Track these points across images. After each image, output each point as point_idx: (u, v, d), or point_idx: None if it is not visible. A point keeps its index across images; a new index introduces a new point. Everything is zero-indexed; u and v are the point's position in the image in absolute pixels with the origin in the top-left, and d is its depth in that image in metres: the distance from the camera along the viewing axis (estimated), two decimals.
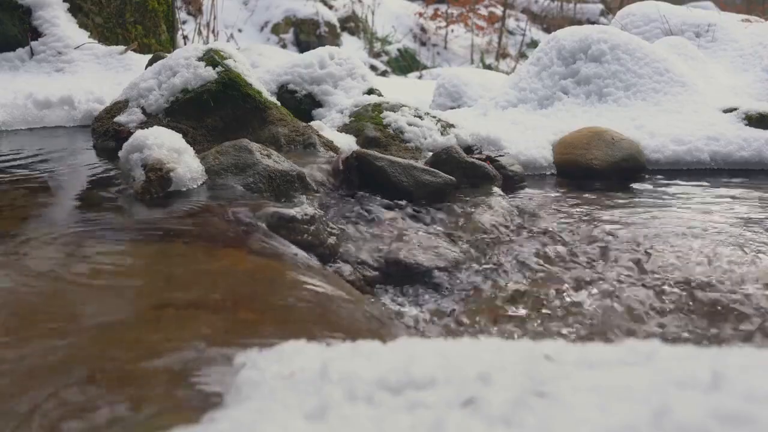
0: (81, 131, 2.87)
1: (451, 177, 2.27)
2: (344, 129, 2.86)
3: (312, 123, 2.74)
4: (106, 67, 3.69)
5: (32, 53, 3.67)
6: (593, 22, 11.84)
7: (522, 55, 12.17)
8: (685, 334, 1.42)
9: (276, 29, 11.25)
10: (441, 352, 0.73)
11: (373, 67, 10.57)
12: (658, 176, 3.04)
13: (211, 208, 1.58)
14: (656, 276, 1.72)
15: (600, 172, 2.93)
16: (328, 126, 2.86)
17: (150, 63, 3.02)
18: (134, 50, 3.87)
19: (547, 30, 13.37)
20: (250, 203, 1.62)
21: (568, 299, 1.57)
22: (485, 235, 1.96)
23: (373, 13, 12.27)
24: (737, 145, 3.24)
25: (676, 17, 5.39)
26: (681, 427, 0.52)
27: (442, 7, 13.26)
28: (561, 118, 3.50)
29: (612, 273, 1.74)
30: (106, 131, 2.50)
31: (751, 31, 5.06)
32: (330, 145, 2.48)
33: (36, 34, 3.74)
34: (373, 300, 1.53)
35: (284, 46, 10.56)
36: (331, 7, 12.31)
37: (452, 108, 4.33)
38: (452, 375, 0.66)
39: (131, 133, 1.99)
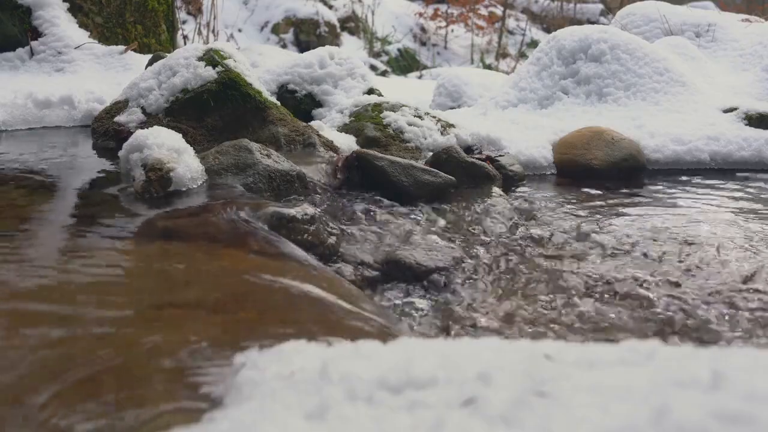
0: (81, 131, 2.87)
1: (452, 177, 2.27)
2: (344, 129, 2.86)
3: (312, 123, 2.73)
4: (106, 67, 3.69)
5: (32, 53, 3.67)
6: (593, 22, 11.84)
7: (522, 55, 12.16)
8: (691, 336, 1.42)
9: (276, 29, 11.25)
10: (441, 352, 0.73)
11: (373, 67, 10.57)
12: (658, 176, 3.04)
13: (211, 208, 1.58)
14: (656, 277, 1.72)
15: (600, 171, 2.93)
16: (328, 126, 2.86)
17: (150, 63, 3.02)
18: (134, 50, 3.87)
19: (547, 30, 13.37)
20: (250, 203, 1.62)
21: (568, 300, 1.57)
22: (485, 235, 1.96)
23: (373, 13, 12.26)
24: (737, 145, 3.24)
25: (676, 17, 5.39)
26: (681, 427, 0.52)
27: (442, 7, 13.26)
28: (561, 118, 3.50)
29: (612, 274, 1.74)
30: (106, 131, 2.50)
31: (751, 31, 5.06)
32: (330, 145, 2.48)
33: (36, 33, 3.74)
34: (373, 300, 1.53)
35: (284, 46, 10.55)
36: (331, 7, 12.31)
37: (452, 108, 4.33)
38: (452, 375, 0.66)
39: (131, 133, 1.99)
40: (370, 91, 3.34)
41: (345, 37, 11.95)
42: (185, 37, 6.87)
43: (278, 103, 2.65)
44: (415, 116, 2.94)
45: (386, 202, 2.07)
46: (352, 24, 12.41)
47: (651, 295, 1.59)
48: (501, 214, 2.11)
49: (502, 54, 12.57)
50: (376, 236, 1.84)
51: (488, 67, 11.08)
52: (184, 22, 7.59)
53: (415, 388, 0.64)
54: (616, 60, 3.73)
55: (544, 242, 1.96)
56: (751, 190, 2.77)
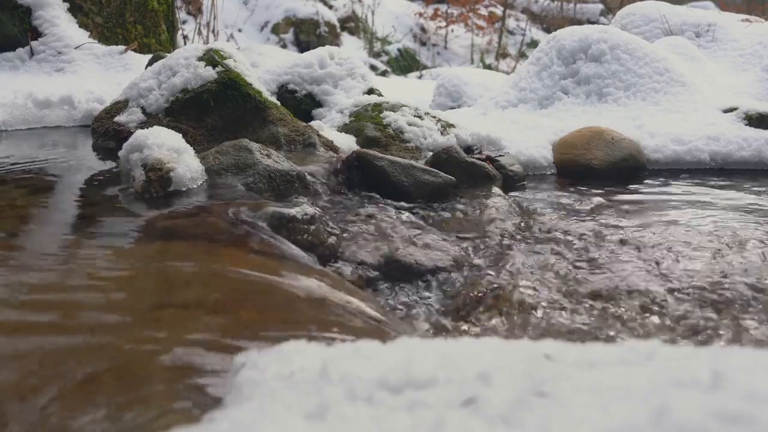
0: (81, 131, 2.87)
1: (451, 177, 2.27)
2: (344, 129, 2.86)
3: (312, 123, 2.74)
4: (106, 67, 3.69)
5: (32, 53, 3.67)
6: (593, 22, 11.84)
7: (522, 55, 12.17)
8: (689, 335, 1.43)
9: (276, 29, 11.25)
10: (441, 352, 0.73)
11: (373, 67, 10.57)
12: (658, 176, 3.04)
13: (211, 208, 1.58)
14: (655, 277, 1.72)
15: (600, 171, 2.93)
16: (328, 126, 2.86)
17: (150, 63, 3.02)
18: (134, 50, 3.88)
19: (547, 30, 13.37)
20: (250, 203, 1.62)
21: (567, 299, 1.57)
22: (485, 235, 1.96)
23: (373, 13, 12.26)
24: (737, 145, 3.24)
25: (676, 17, 5.39)
26: (681, 427, 0.52)
27: (442, 7, 13.26)
28: (561, 118, 3.50)
29: (612, 273, 1.74)
30: (106, 131, 2.50)
31: (751, 31, 5.07)
32: (330, 145, 2.48)
33: (36, 33, 3.74)
34: (373, 299, 1.53)
35: (284, 46, 10.55)
36: (331, 7, 12.31)
37: (452, 108, 4.34)
38: (452, 375, 0.66)
39: (131, 133, 1.99)
40: (370, 91, 3.34)
41: (345, 37, 11.96)
42: (185, 37, 6.87)
43: (278, 103, 2.65)
44: (415, 116, 2.94)
45: (386, 202, 2.07)
46: (352, 24, 12.41)
47: (654, 297, 1.59)
48: (501, 214, 2.11)
49: (502, 54, 12.58)
50: (376, 236, 1.84)
51: (488, 67, 11.09)
52: (184, 22, 7.59)
53: (415, 388, 0.64)
54: (616, 60, 3.73)
55: (544, 242, 1.96)
56: (751, 190, 2.77)
